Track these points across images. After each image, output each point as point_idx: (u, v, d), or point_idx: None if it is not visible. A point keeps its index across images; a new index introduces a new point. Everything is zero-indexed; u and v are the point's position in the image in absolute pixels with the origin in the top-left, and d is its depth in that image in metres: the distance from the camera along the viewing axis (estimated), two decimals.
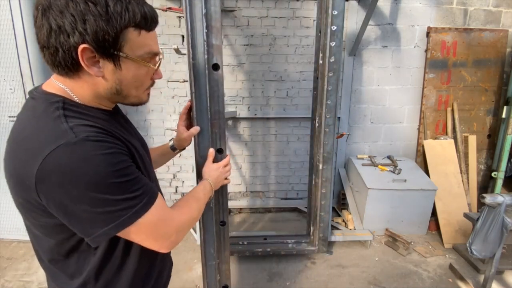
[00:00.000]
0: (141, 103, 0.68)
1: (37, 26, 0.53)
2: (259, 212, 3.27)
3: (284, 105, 3.06)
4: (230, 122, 3.08)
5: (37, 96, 0.60)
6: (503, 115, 2.82)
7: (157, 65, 0.65)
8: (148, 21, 0.58)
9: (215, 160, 1.08)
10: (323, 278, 2.19)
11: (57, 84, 0.60)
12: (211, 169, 1.01)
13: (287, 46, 2.90)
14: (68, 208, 0.54)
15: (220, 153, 1.13)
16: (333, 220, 2.86)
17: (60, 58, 0.54)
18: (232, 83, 2.98)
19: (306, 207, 2.77)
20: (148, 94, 0.70)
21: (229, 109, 3.03)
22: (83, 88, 0.60)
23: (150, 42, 0.61)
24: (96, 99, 0.62)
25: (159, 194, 0.66)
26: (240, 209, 3.27)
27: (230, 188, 3.28)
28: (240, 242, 2.36)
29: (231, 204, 3.23)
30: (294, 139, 3.15)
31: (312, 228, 2.38)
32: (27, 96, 0.63)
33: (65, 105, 0.57)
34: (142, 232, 0.61)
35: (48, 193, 0.53)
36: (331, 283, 2.14)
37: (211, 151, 1.06)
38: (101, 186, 0.53)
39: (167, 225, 0.66)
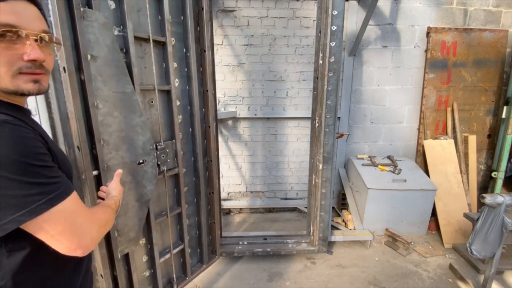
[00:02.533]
0: (18, 91, 0.59)
1: None
2: (259, 212, 3.27)
3: (284, 105, 3.06)
4: (230, 122, 3.08)
5: None
6: (503, 115, 2.83)
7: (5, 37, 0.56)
8: None
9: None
10: (323, 278, 2.19)
11: None
12: (118, 187, 1.00)
13: (287, 46, 2.90)
14: None
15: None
16: (333, 220, 2.86)
17: None
18: (232, 83, 2.98)
19: (306, 207, 2.78)
20: (34, 82, 0.61)
21: (229, 109, 3.03)
22: None
23: None
24: None
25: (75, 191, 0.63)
26: (240, 209, 3.27)
27: (230, 188, 3.28)
28: (240, 242, 2.36)
29: (231, 204, 3.23)
30: (294, 139, 3.16)
31: (312, 228, 2.38)
32: None
33: None
34: (58, 223, 0.56)
35: None
36: (331, 283, 2.14)
37: (120, 171, 1.05)
38: (17, 166, 0.51)
39: (86, 217, 0.62)
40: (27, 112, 0.69)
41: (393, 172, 2.75)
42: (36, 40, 0.59)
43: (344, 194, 3.05)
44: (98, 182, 1.27)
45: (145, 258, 1.66)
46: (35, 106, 2.35)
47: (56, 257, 0.62)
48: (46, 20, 0.65)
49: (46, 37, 0.62)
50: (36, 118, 2.31)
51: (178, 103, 1.71)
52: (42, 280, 0.64)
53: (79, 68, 1.16)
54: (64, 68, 1.10)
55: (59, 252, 0.59)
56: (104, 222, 0.72)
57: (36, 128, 0.61)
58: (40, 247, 0.59)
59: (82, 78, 1.17)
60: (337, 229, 2.73)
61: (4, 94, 0.60)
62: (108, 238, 1.36)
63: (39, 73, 0.61)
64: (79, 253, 0.60)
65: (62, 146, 1.20)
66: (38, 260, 0.62)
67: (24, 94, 0.61)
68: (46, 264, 0.63)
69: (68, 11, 1.10)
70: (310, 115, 2.32)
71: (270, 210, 3.29)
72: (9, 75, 0.58)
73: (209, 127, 1.96)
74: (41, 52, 0.60)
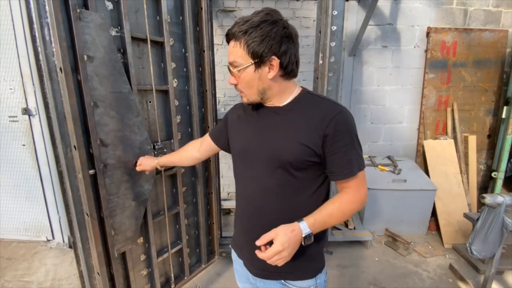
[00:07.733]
0: None
1: None
2: None
3: None
4: None
5: None
6: (503, 115, 2.82)
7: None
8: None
9: None
10: None
11: None
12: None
13: None
14: None
15: None
16: None
17: None
18: None
19: None
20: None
21: (229, 109, 3.02)
22: None
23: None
24: None
25: None
26: None
27: (229, 188, 3.28)
28: None
29: (231, 204, 3.23)
30: None
31: None
32: None
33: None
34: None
35: None
36: (331, 283, 2.13)
37: None
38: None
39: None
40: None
41: (393, 172, 2.75)
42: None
43: None
44: (95, 181, 1.28)
45: (142, 257, 1.66)
46: (35, 106, 2.35)
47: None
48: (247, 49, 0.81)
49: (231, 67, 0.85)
50: (36, 117, 2.31)
51: (176, 103, 1.70)
52: None
53: (75, 68, 1.17)
54: (60, 68, 1.10)
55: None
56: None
57: None
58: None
59: (79, 78, 1.18)
60: (337, 229, 2.72)
61: None
62: (104, 236, 1.36)
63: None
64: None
65: (59, 145, 1.21)
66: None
67: None
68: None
69: (65, 12, 1.11)
70: None
71: None
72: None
73: (208, 127, 1.95)
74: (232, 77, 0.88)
